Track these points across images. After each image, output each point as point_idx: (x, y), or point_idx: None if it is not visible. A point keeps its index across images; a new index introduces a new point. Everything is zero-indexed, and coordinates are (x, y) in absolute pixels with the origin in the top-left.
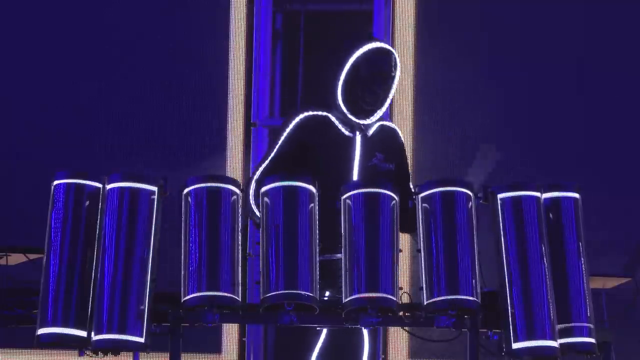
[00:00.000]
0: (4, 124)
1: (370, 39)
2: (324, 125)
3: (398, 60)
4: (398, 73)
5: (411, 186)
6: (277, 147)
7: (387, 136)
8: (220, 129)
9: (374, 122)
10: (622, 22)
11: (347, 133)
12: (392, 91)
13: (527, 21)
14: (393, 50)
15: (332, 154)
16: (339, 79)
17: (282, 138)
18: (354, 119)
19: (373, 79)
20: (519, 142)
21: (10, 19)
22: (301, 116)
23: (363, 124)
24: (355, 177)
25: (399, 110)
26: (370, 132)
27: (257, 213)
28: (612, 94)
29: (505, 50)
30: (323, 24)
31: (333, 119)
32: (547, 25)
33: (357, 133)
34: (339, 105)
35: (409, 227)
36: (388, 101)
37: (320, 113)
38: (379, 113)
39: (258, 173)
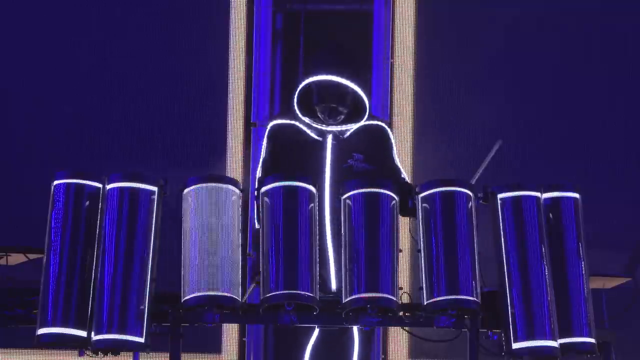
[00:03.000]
0: (4, 124)
1: (324, 62)
2: (291, 132)
3: (356, 89)
4: (364, 97)
5: (405, 177)
6: (260, 161)
7: (370, 135)
8: (220, 129)
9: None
10: (626, 19)
11: (316, 137)
12: (365, 103)
13: (527, 21)
14: (341, 81)
15: (302, 157)
16: (293, 102)
17: (263, 147)
18: (323, 127)
19: (321, 109)
20: (520, 141)
21: (11, 20)
22: (270, 125)
23: (336, 130)
24: (327, 179)
25: (399, 110)
26: (348, 133)
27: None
28: (614, 93)
29: (506, 50)
30: (323, 24)
31: (300, 125)
32: (547, 24)
33: (328, 136)
34: (301, 119)
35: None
36: (364, 113)
37: (286, 121)
38: (354, 125)
39: (258, 173)
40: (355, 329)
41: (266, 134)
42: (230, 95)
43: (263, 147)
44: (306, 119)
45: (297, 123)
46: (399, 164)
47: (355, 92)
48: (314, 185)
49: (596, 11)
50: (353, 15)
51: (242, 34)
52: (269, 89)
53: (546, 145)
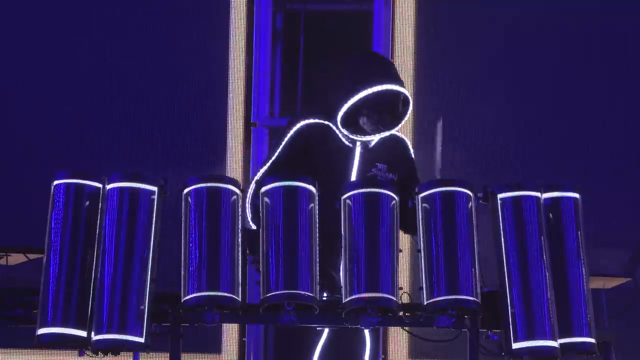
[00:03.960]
0: (4, 124)
1: (383, 71)
2: (324, 134)
3: (409, 96)
4: (409, 108)
5: None
6: (278, 151)
7: (392, 146)
8: (220, 129)
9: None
10: (626, 19)
11: (347, 143)
12: (403, 120)
13: (527, 21)
14: (403, 90)
15: (329, 162)
16: (341, 107)
17: (283, 142)
18: (355, 137)
19: (376, 118)
20: (520, 141)
21: (11, 20)
22: (303, 122)
23: (366, 140)
24: None
25: None
26: (373, 143)
27: (250, 217)
28: (614, 93)
29: (506, 50)
30: (323, 24)
31: (334, 128)
32: (547, 24)
33: (358, 144)
34: (340, 127)
35: (410, 227)
36: (398, 126)
37: (322, 122)
38: (384, 134)
39: (259, 175)
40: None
41: (296, 129)
42: (230, 95)
43: (281, 146)
44: (345, 131)
45: (331, 125)
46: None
47: (406, 99)
48: (315, 185)
49: (596, 11)
50: (353, 15)
51: (242, 34)
52: (269, 89)
53: (546, 145)
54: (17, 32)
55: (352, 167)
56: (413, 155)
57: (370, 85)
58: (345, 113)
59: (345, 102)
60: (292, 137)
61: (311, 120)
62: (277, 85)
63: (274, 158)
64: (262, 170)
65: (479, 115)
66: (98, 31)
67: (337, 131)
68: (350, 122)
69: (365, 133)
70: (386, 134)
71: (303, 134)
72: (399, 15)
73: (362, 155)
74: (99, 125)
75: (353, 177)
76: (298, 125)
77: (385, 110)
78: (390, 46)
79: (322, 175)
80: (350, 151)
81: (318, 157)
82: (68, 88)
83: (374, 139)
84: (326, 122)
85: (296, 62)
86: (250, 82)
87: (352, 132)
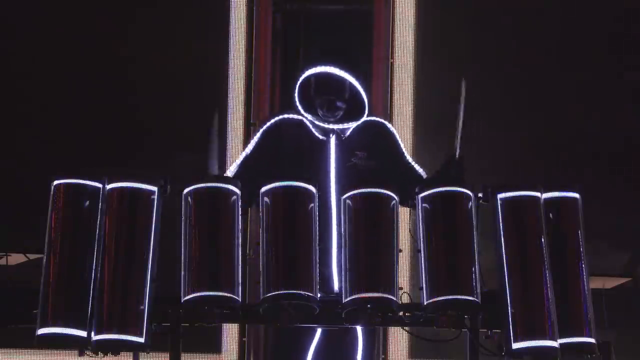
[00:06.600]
0: (3, 123)
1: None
2: (296, 129)
3: (353, 82)
4: (362, 92)
5: (419, 170)
6: (243, 154)
7: (372, 133)
8: (220, 128)
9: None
10: (627, 19)
11: (320, 137)
12: (363, 97)
13: (527, 21)
14: (339, 73)
15: (305, 157)
16: (293, 95)
17: (255, 139)
18: (324, 125)
19: (319, 103)
20: (520, 141)
21: (11, 19)
22: (279, 117)
23: (337, 128)
24: (332, 179)
25: (399, 110)
26: (349, 132)
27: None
28: (613, 92)
29: (506, 50)
30: (323, 24)
31: (307, 123)
32: (547, 25)
33: (331, 136)
34: (303, 115)
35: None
36: (363, 110)
37: (294, 117)
38: (353, 123)
39: (232, 166)
40: (359, 328)
41: (265, 127)
42: (230, 95)
43: (254, 140)
44: (308, 116)
45: (304, 120)
46: (411, 160)
47: (352, 87)
48: (315, 186)
49: (597, 12)
50: (353, 15)
51: (242, 34)
52: (269, 89)
53: (546, 145)
54: (18, 30)
55: (329, 158)
56: (398, 138)
57: (309, 69)
58: (300, 101)
59: (294, 88)
60: (260, 135)
61: (284, 116)
62: (277, 85)
63: (244, 155)
64: (232, 166)
65: (479, 115)
66: (98, 31)
67: (311, 126)
68: (311, 112)
69: (330, 121)
70: (359, 119)
71: (277, 127)
72: (399, 15)
73: (338, 146)
74: (98, 125)
75: (332, 169)
76: (271, 122)
77: (330, 91)
78: (390, 46)
79: (300, 170)
80: (324, 144)
81: (292, 152)
82: (68, 88)
83: (346, 126)
84: (300, 117)
85: (296, 62)
86: (250, 82)
87: (318, 120)
